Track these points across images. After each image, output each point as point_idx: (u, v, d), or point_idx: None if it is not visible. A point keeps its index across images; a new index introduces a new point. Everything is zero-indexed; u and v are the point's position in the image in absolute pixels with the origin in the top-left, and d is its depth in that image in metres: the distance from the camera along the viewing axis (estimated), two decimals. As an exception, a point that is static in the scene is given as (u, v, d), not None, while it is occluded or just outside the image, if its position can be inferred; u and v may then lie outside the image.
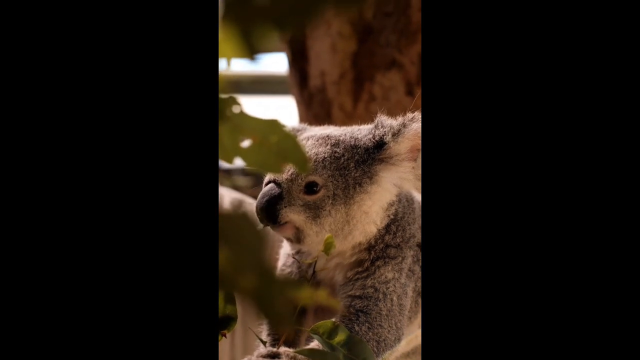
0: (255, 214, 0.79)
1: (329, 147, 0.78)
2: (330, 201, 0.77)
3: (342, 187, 0.78)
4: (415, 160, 0.79)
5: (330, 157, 0.78)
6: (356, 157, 0.79)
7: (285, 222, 0.78)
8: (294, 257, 0.88)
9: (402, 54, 1.44)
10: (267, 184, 0.79)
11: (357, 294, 0.81)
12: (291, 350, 0.73)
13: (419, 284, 0.86)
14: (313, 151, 0.78)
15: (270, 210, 0.77)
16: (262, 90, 3.55)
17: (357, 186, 0.78)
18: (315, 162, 0.77)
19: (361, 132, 0.82)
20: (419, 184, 0.79)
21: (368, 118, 1.46)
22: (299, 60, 1.57)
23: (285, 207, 0.77)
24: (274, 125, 0.58)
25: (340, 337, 0.73)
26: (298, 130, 0.87)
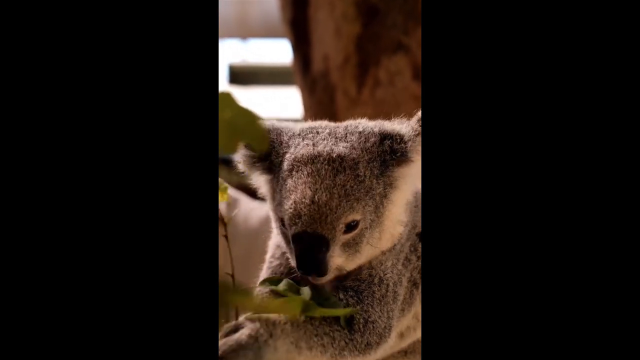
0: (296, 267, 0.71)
1: (348, 171, 0.70)
2: (368, 231, 0.72)
3: (372, 209, 0.72)
4: None
5: (355, 181, 0.70)
6: (375, 172, 0.72)
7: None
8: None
9: (409, 36, 1.37)
10: (299, 236, 0.69)
11: (351, 279, 0.76)
12: (252, 315, 0.66)
13: (415, 274, 0.81)
14: (338, 182, 0.70)
15: (320, 269, 0.70)
16: (279, 81, 3.52)
17: (383, 200, 0.73)
18: (346, 197, 0.69)
19: (367, 139, 0.74)
20: None
21: (374, 104, 1.40)
22: (301, 44, 1.51)
23: (332, 257, 0.70)
24: (226, 99, 0.53)
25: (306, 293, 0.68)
26: (280, 131, 0.77)
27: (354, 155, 0.72)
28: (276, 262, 0.84)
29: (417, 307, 0.83)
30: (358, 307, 0.73)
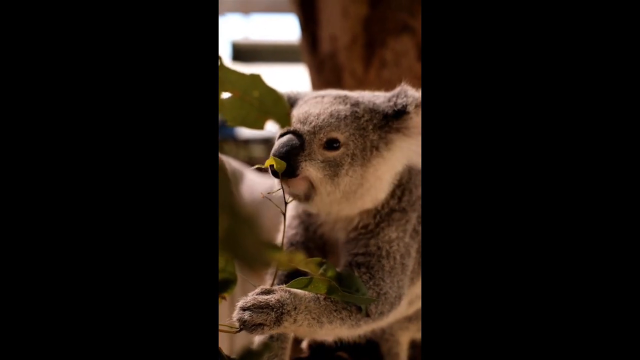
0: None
1: (348, 105, 0.78)
2: (349, 160, 0.77)
3: (360, 147, 0.77)
4: None
5: (351, 115, 0.78)
6: (374, 121, 0.79)
7: (303, 176, 0.76)
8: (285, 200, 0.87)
9: (415, 17, 1.41)
10: (284, 134, 0.77)
11: (360, 251, 0.82)
12: (284, 285, 0.72)
13: None
14: (333, 108, 0.77)
15: (290, 161, 0.74)
16: (283, 58, 3.53)
17: (373, 149, 0.78)
18: (337, 118, 0.77)
19: (378, 97, 0.82)
20: None
21: (379, 84, 1.44)
22: (310, 24, 1.55)
23: (306, 160, 0.75)
24: (255, 79, 0.57)
25: (331, 272, 0.72)
26: (298, 94, 0.86)
27: (360, 99, 0.80)
28: (292, 232, 0.89)
29: (425, 277, 0.89)
30: (370, 282, 0.78)
